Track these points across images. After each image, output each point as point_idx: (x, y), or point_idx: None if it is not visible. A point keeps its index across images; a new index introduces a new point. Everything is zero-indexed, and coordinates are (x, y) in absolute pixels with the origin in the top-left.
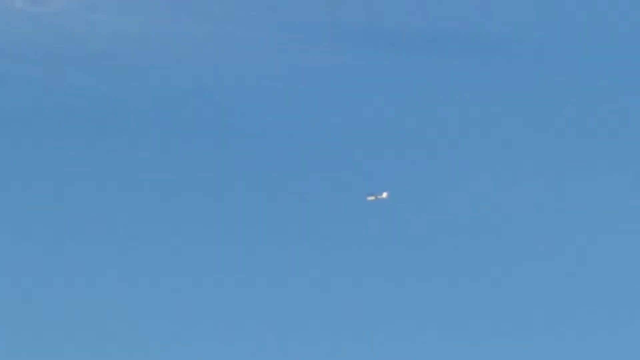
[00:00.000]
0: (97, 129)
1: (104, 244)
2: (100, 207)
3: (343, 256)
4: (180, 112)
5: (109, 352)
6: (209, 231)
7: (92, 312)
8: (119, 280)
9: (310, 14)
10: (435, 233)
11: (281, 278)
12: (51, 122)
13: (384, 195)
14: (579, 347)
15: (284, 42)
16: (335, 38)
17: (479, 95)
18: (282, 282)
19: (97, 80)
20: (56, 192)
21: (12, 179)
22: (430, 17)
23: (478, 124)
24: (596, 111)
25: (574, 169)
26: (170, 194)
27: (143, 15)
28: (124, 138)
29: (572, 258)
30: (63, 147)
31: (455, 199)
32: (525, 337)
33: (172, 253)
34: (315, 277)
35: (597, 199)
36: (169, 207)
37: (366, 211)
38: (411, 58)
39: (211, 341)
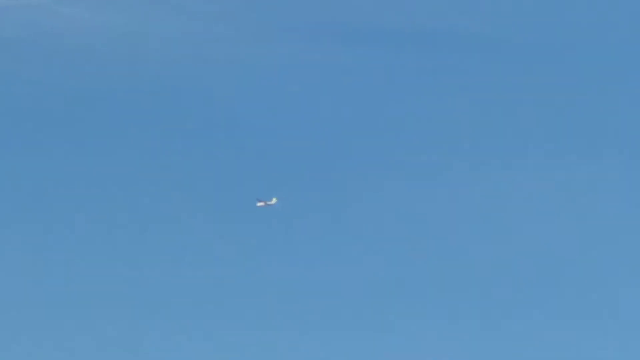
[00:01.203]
0: (69, 124)
1: (101, 243)
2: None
3: (340, 251)
4: (162, 108)
5: (107, 350)
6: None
7: (90, 311)
8: (117, 278)
9: (310, 14)
10: (433, 227)
11: (282, 277)
12: (20, 117)
13: (273, 201)
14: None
15: (280, 39)
16: (335, 38)
17: (477, 95)
18: (283, 281)
19: (69, 75)
20: (32, 189)
21: None
22: (430, 17)
23: (476, 122)
24: (590, 110)
25: (568, 166)
26: (148, 190)
27: (116, 10)
28: (98, 132)
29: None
30: (35, 142)
31: (450, 195)
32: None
33: (163, 248)
34: (315, 274)
35: (591, 195)
36: (147, 205)
37: (368, 208)
38: (411, 58)
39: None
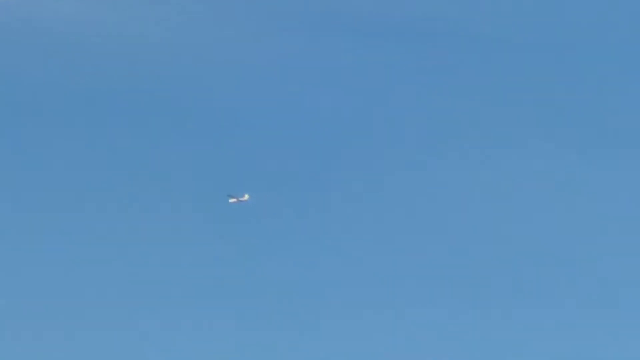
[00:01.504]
0: (66, 123)
1: (100, 242)
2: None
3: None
4: (161, 107)
5: (107, 350)
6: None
7: (89, 311)
8: (117, 278)
9: (310, 14)
10: (432, 226)
11: (281, 277)
12: (17, 114)
13: (245, 197)
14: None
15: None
16: (335, 38)
17: (477, 94)
18: (283, 281)
19: (67, 73)
20: (29, 187)
21: None
22: (430, 17)
23: (476, 122)
24: (590, 109)
25: (568, 166)
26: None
27: (116, 9)
28: (96, 132)
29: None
30: (31, 140)
31: (450, 194)
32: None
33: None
34: (315, 274)
35: (591, 195)
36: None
37: (368, 207)
38: (411, 57)
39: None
